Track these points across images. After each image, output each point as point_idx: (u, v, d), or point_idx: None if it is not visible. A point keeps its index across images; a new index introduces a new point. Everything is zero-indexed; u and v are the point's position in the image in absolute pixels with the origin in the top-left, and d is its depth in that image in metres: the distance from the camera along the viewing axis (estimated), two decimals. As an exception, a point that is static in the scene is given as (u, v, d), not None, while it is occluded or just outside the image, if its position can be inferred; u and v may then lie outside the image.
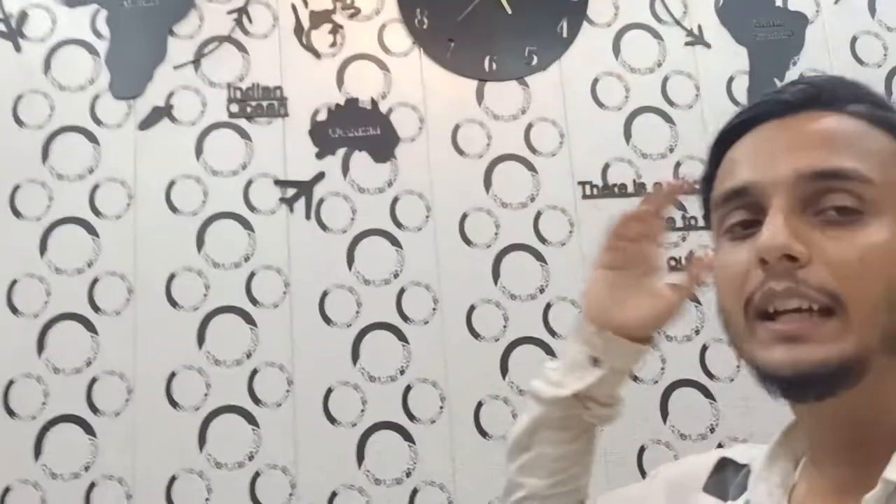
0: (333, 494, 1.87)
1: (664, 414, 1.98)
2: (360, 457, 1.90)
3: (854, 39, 2.25)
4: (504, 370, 1.98)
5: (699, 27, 2.22)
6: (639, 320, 0.79)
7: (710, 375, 2.01)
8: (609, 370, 0.79)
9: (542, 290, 2.03)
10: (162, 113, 2.06)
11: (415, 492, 1.90)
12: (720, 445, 1.92)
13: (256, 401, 1.92)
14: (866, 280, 0.54)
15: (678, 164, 2.13)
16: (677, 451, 1.93)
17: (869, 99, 0.61)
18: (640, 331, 0.80)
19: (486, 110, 2.13)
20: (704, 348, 2.02)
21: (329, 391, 1.94)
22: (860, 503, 0.54)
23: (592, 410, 0.80)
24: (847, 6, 2.27)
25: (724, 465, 0.73)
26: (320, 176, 2.05)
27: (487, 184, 2.09)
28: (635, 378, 1.97)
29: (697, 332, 2.02)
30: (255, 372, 1.94)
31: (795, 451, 0.65)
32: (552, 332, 2.00)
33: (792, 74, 2.21)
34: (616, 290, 0.80)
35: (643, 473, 1.83)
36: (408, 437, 1.93)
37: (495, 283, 2.03)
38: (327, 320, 1.98)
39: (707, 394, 2.00)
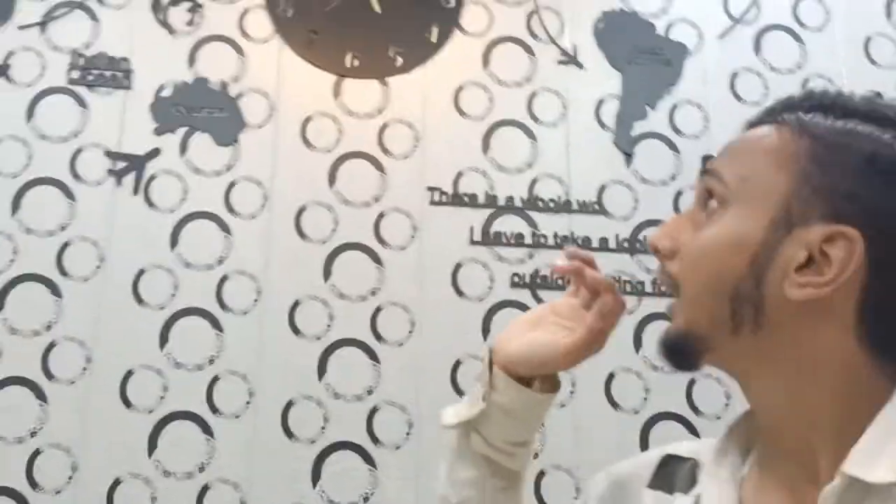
0: None
1: (644, 447, 2.03)
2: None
3: (734, 75, 2.34)
4: (322, 371, 1.98)
5: (574, 47, 2.32)
6: (521, 357, 0.79)
7: (695, 410, 2.06)
8: (492, 407, 0.80)
9: (373, 293, 2.06)
10: (-2, 72, 2.09)
11: None
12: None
13: (48, 374, 1.90)
14: (695, 269, 0.68)
15: (534, 181, 2.18)
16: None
17: (809, 103, 0.69)
18: (524, 368, 0.79)
19: (342, 106, 2.19)
20: (692, 382, 2.07)
21: (129, 374, 1.94)
22: (810, 495, 0.61)
23: (491, 454, 0.81)
24: (731, 41, 2.38)
25: (667, 461, 0.79)
26: (155, 152, 2.09)
27: (332, 179, 2.14)
28: (615, 405, 2.03)
29: None
30: (51, 345, 1.93)
31: (743, 444, 0.72)
32: (378, 336, 2.02)
33: (665, 104, 2.29)
34: (532, 325, 0.81)
35: None
36: (208, 429, 1.91)
37: (325, 280, 2.05)
38: (139, 300, 1.99)
39: (692, 430, 2.06)
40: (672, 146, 2.29)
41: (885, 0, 2.48)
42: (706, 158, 2.28)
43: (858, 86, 2.38)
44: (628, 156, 2.27)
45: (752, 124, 0.71)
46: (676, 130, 2.31)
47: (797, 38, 2.42)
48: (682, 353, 0.69)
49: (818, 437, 0.64)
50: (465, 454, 0.83)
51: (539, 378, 0.80)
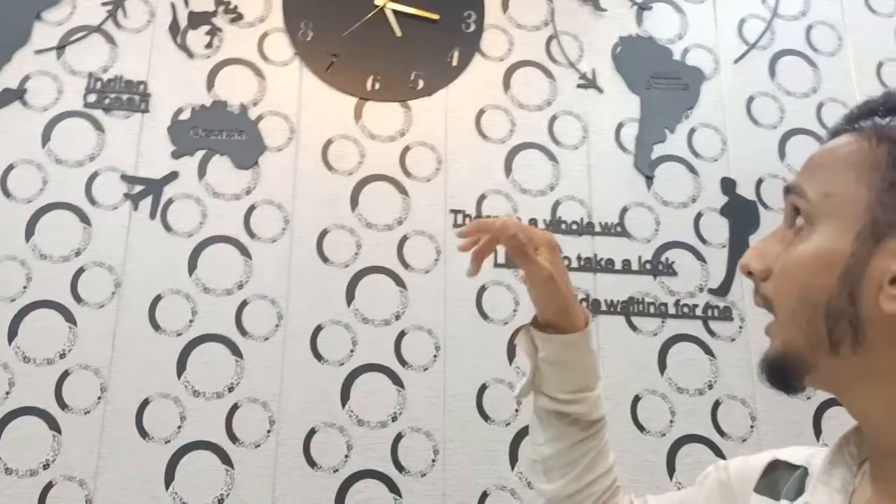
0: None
1: (671, 470, 1.96)
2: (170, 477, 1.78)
3: (751, 99, 2.32)
4: (345, 397, 1.89)
5: (593, 71, 2.28)
6: (536, 306, 0.91)
7: (721, 433, 2.00)
8: (542, 363, 0.90)
9: (397, 317, 1.98)
10: (13, 96, 2.03)
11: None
12: None
13: (61, 404, 1.80)
14: (785, 287, 0.64)
15: (557, 203, 2.12)
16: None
17: (878, 112, 0.66)
18: (540, 314, 0.91)
19: (363, 128, 2.13)
20: (717, 404, 2.00)
21: (146, 402, 1.84)
22: None
23: (559, 407, 0.89)
24: (747, 67, 2.35)
25: (775, 466, 0.77)
26: (172, 175, 2.01)
27: (354, 202, 2.07)
28: (642, 429, 1.98)
29: (710, 386, 2.00)
30: (65, 374, 1.83)
31: (855, 456, 0.69)
32: (403, 362, 1.94)
33: (683, 127, 2.25)
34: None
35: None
36: (227, 459, 1.81)
37: (348, 304, 1.97)
38: (156, 327, 1.89)
39: (718, 452, 1.99)
40: (691, 168, 2.25)
41: (895, 26, 2.47)
42: (726, 181, 2.24)
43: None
44: (649, 178, 2.22)
45: (833, 133, 0.68)
46: (695, 153, 2.26)
47: (811, 62, 2.39)
48: (782, 375, 0.66)
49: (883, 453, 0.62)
50: (539, 416, 0.92)
51: (565, 322, 0.89)
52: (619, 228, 2.15)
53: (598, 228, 2.14)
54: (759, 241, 0.68)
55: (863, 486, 0.67)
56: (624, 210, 2.17)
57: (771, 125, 2.32)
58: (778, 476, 0.75)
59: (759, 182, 2.25)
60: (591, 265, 2.11)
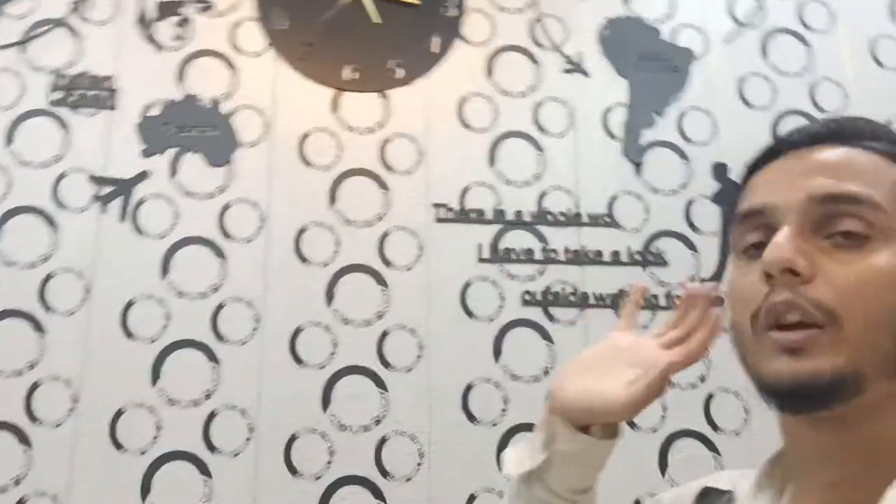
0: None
1: (663, 467, 1.89)
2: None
3: (742, 80, 2.21)
4: (326, 402, 1.81)
5: (580, 55, 2.17)
6: (579, 407, 0.71)
7: (714, 426, 1.93)
8: (554, 456, 0.73)
9: (379, 316, 1.89)
10: (-26, 95, 1.92)
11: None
12: None
13: (31, 417, 1.72)
14: (863, 301, 0.58)
15: (543, 194, 2.03)
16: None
17: (886, 137, 0.65)
18: (582, 417, 0.72)
19: (340, 121, 2.03)
20: (710, 398, 1.93)
21: (119, 413, 1.75)
22: None
23: (551, 500, 0.75)
24: (738, 46, 2.24)
25: (706, 494, 0.74)
26: (143, 175, 1.92)
27: (332, 198, 1.97)
28: (632, 425, 1.88)
29: (703, 379, 1.94)
30: (35, 385, 1.75)
31: (782, 480, 0.67)
32: (385, 363, 1.86)
33: (672, 111, 2.16)
34: (590, 368, 0.73)
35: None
36: (205, 469, 1.73)
37: (328, 304, 1.88)
38: (128, 334, 1.81)
39: (711, 447, 1.92)
40: (681, 154, 2.15)
41: (888, 1, 2.36)
42: (718, 166, 2.14)
43: (865, 88, 2.25)
44: (637, 165, 2.12)
45: (817, 139, 0.66)
46: (685, 138, 2.17)
47: (803, 40, 2.29)
48: (828, 394, 0.58)
49: (888, 480, 0.58)
50: (527, 501, 0.77)
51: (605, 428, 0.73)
52: (607, 219, 2.06)
53: (585, 219, 2.05)
54: (782, 237, 0.60)
55: None
56: (612, 199, 2.08)
57: (763, 106, 2.22)
58: (709, 502, 0.73)
59: (752, 166, 2.15)
60: (578, 258, 2.02)
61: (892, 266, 0.59)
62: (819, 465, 0.63)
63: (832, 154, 0.64)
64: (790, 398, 0.60)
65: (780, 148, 0.67)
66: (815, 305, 0.58)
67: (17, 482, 1.71)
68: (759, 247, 0.63)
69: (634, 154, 2.14)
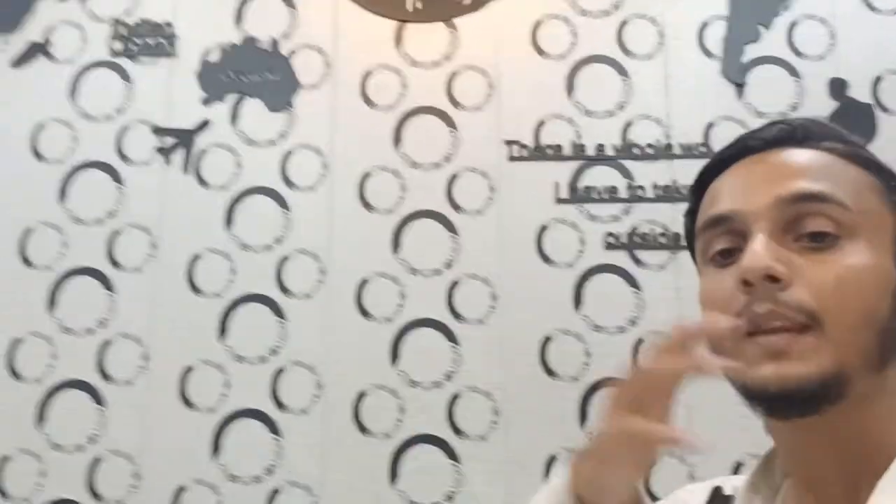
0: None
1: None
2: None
3: (866, -21, 1.86)
4: (394, 356, 1.70)
5: (670, -37, 1.88)
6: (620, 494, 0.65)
7: None
8: None
9: (448, 266, 1.75)
10: (38, 50, 1.87)
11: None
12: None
13: (105, 376, 1.70)
14: (844, 300, 0.58)
15: (628, 125, 1.80)
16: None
17: (842, 138, 0.66)
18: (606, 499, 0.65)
19: (405, 55, 1.86)
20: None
21: (189, 369, 1.71)
22: None
23: None
24: (860, -59, 1.88)
25: (714, 496, 0.73)
26: (204, 125, 1.83)
27: (397, 140, 1.82)
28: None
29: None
30: (106, 343, 1.72)
31: (776, 480, 0.67)
32: (456, 315, 1.73)
33: (782, 21, 1.85)
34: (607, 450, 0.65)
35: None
36: (274, 428, 1.67)
37: (395, 253, 1.75)
38: (196, 289, 1.75)
39: None
40: (792, 70, 1.85)
41: None
42: (835, 82, 1.84)
43: None
44: (739, 86, 1.84)
45: (774, 143, 0.65)
46: (797, 52, 1.86)
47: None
48: (817, 398, 0.57)
49: (877, 472, 0.58)
50: None
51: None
52: (703, 149, 1.81)
53: (677, 150, 1.81)
54: (759, 245, 0.59)
55: None
56: (709, 127, 1.82)
57: (891, 10, 1.87)
58: None
59: (877, 81, 1.84)
60: (669, 194, 1.79)
61: (865, 264, 0.60)
62: (809, 464, 0.63)
63: (793, 156, 0.64)
64: (778, 404, 0.59)
65: (736, 154, 0.66)
66: (796, 309, 0.58)
67: (93, 440, 1.70)
68: (728, 254, 0.63)
69: (735, 74, 1.85)
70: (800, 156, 0.64)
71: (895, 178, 0.65)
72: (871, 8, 1.88)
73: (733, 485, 0.71)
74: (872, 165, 0.65)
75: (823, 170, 0.63)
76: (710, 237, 0.65)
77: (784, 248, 0.60)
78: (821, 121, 0.68)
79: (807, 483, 0.64)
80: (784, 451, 0.66)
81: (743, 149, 0.67)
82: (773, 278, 0.58)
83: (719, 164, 0.68)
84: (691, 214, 0.70)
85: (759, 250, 0.59)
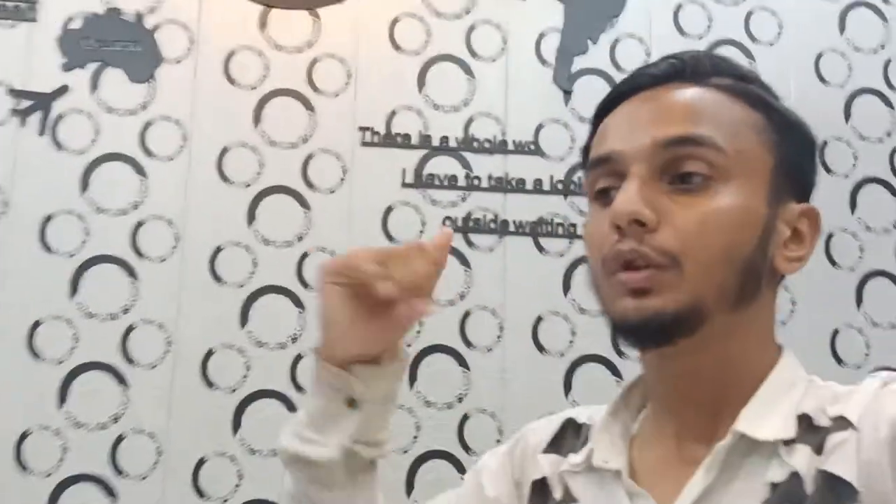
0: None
1: (567, 389, 1.81)
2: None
3: (679, 7, 2.12)
4: (244, 320, 1.78)
5: (516, -22, 2.05)
6: (377, 340, 0.68)
7: (620, 353, 1.90)
8: (367, 406, 0.68)
9: (300, 238, 1.85)
10: None
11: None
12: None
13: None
14: (704, 241, 0.60)
15: (470, 120, 1.96)
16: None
17: (732, 72, 0.67)
18: (376, 348, 0.69)
19: (268, 39, 1.94)
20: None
21: (37, 323, 1.72)
22: (700, 450, 0.62)
23: (361, 454, 0.69)
24: (671, -29, 2.13)
25: (567, 426, 0.76)
26: (63, 89, 1.83)
27: (257, 118, 1.90)
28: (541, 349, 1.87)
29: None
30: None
31: (640, 404, 0.71)
32: (304, 283, 1.82)
33: (606, 38, 2.07)
34: (349, 309, 0.67)
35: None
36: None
37: (249, 225, 1.83)
38: (47, 248, 1.76)
39: (615, 372, 1.89)
40: (612, 83, 2.07)
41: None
42: (649, 96, 2.07)
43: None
44: (567, 93, 2.05)
45: (663, 79, 0.67)
46: (617, 66, 2.08)
47: (747, -31, 2.18)
48: (671, 329, 0.61)
49: (734, 401, 0.62)
50: (337, 480, 0.72)
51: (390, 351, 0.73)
52: (532, 146, 2.00)
53: (511, 146, 1.99)
54: (628, 188, 0.62)
55: (642, 431, 0.70)
56: (539, 127, 2.01)
57: (698, 34, 2.13)
58: (567, 434, 0.75)
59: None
60: (501, 185, 1.96)
61: (730, 206, 0.61)
62: (670, 392, 0.67)
63: (677, 96, 0.65)
64: (637, 335, 0.63)
65: (628, 90, 0.68)
66: (658, 252, 0.60)
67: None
68: (608, 192, 0.65)
69: (564, 82, 2.06)
70: (683, 94, 0.65)
71: (782, 116, 0.66)
72: (682, 33, 2.13)
73: (588, 414, 0.75)
74: (759, 102, 0.66)
75: (706, 110, 0.63)
76: (595, 176, 0.67)
77: (656, 192, 0.62)
78: (713, 54, 0.69)
79: (667, 407, 0.67)
80: (650, 378, 0.70)
81: (634, 85, 0.67)
82: (640, 223, 0.61)
83: (615, 98, 0.69)
84: (587, 150, 0.71)
85: (629, 195, 0.61)
